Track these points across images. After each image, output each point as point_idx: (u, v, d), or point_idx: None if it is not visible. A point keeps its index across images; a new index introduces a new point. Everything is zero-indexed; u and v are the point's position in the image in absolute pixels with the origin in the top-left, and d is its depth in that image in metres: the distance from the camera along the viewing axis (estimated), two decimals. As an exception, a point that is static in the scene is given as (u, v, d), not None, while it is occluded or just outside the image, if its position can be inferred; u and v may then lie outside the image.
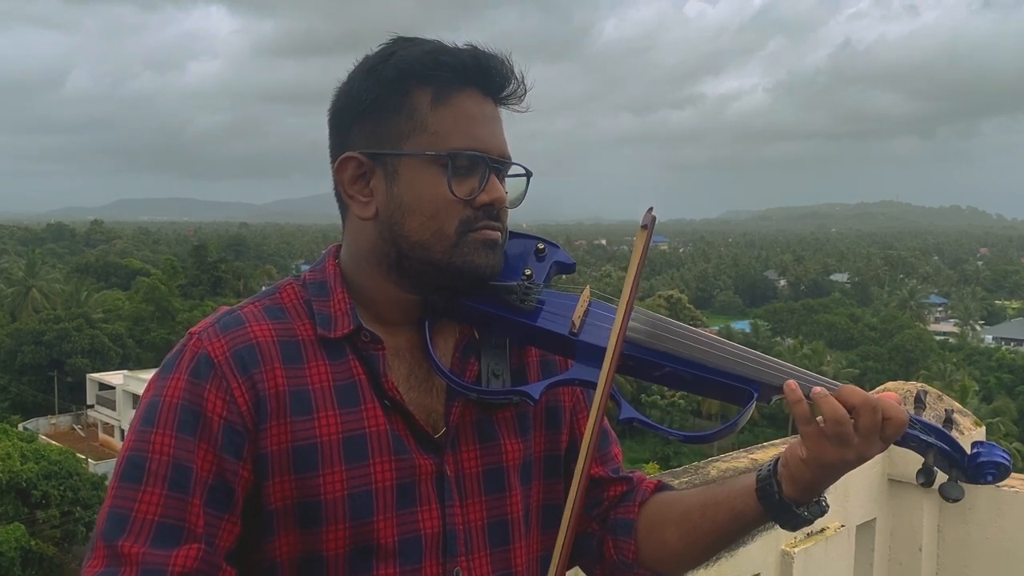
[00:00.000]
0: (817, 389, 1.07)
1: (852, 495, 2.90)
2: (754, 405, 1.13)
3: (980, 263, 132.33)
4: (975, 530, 3.01)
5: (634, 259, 1.11)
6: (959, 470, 1.09)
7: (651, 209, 1.12)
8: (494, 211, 1.14)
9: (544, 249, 1.23)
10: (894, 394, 1.10)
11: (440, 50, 1.14)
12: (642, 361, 1.15)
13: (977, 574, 3.02)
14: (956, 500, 1.09)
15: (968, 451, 1.09)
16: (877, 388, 1.13)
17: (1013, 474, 3.12)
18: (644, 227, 1.11)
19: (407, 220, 1.12)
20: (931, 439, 1.09)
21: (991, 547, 2.99)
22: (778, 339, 57.36)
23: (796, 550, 2.64)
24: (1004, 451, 1.09)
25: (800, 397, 1.06)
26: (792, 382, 1.08)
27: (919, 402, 1.14)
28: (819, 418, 1.07)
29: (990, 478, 1.08)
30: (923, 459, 1.10)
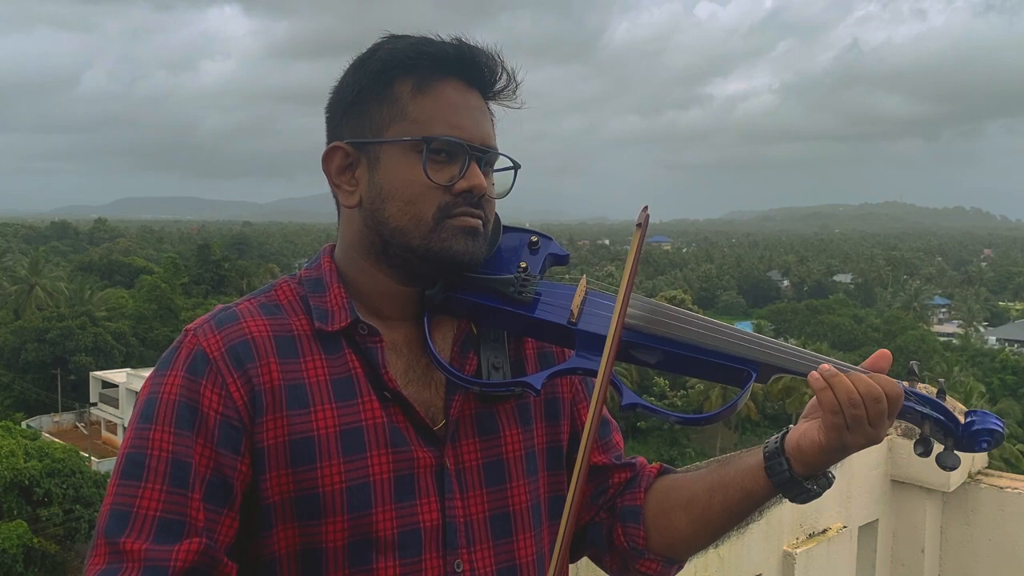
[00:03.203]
0: (828, 367, 1.09)
1: (855, 496, 2.89)
2: (751, 385, 1.14)
3: (984, 264, 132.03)
4: (978, 531, 3.01)
5: (630, 256, 1.12)
6: (954, 439, 1.11)
7: (646, 208, 1.14)
8: (474, 198, 1.14)
9: (537, 242, 1.24)
10: (887, 352, 1.12)
11: (424, 42, 1.15)
12: (641, 346, 1.16)
13: (979, 575, 3.01)
14: (952, 468, 1.11)
15: (962, 420, 1.10)
16: (871, 356, 1.14)
17: (1016, 475, 3.12)
18: (639, 225, 1.13)
19: (387, 206, 1.13)
20: (926, 410, 1.11)
21: (994, 548, 2.98)
22: (781, 339, 57.20)
23: (798, 551, 2.63)
24: (997, 418, 1.11)
25: (825, 385, 1.07)
26: (815, 373, 1.09)
27: (912, 374, 1.15)
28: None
29: (985, 445, 1.10)
30: (919, 430, 1.11)
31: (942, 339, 60.07)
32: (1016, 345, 67.27)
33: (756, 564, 2.53)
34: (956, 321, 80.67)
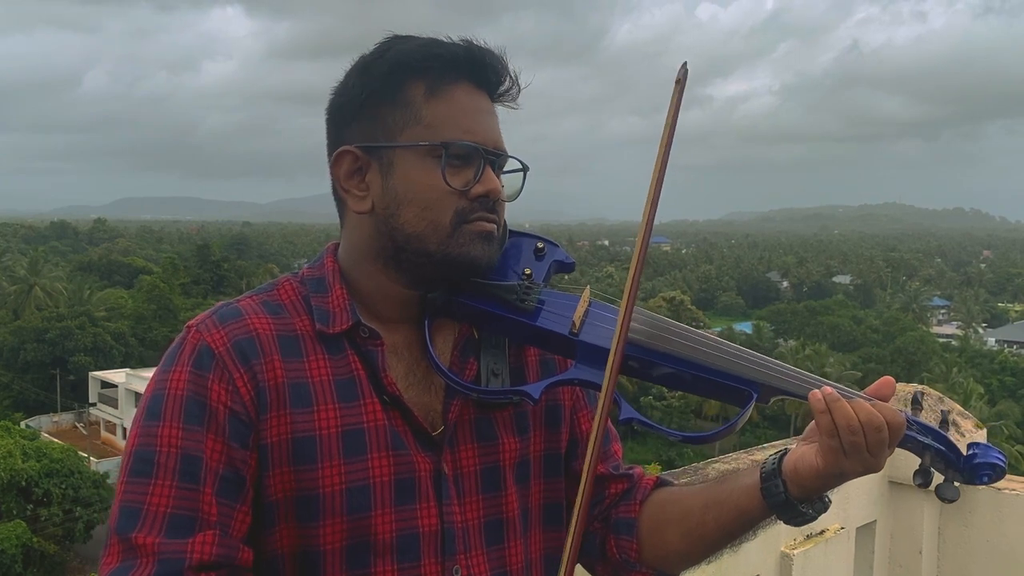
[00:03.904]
0: (831, 391, 1.08)
1: (852, 497, 2.89)
2: (752, 406, 1.13)
3: (983, 265, 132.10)
4: (975, 533, 3.01)
5: (668, 118, 1.07)
6: (955, 471, 1.10)
7: (685, 64, 1.09)
8: (489, 203, 1.14)
9: (543, 248, 1.23)
10: (890, 379, 1.11)
11: (434, 44, 1.14)
12: (642, 361, 1.15)
13: (977, 577, 3.02)
14: (951, 501, 1.10)
15: (964, 452, 1.09)
16: (874, 384, 1.13)
17: (1015, 477, 3.12)
18: (678, 81, 1.08)
19: (402, 212, 1.12)
20: (928, 440, 1.10)
21: (991, 549, 2.98)
22: (780, 340, 57.27)
23: (795, 552, 2.63)
24: (1000, 452, 1.10)
25: (825, 408, 1.06)
26: (817, 392, 1.08)
27: (916, 403, 1.14)
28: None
29: (986, 479, 1.09)
30: (920, 460, 1.11)
31: (941, 340, 59.99)
32: (1015, 346, 67.24)
33: (754, 565, 2.53)
34: (955, 322, 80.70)
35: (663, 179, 1.09)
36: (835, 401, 1.06)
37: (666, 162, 1.08)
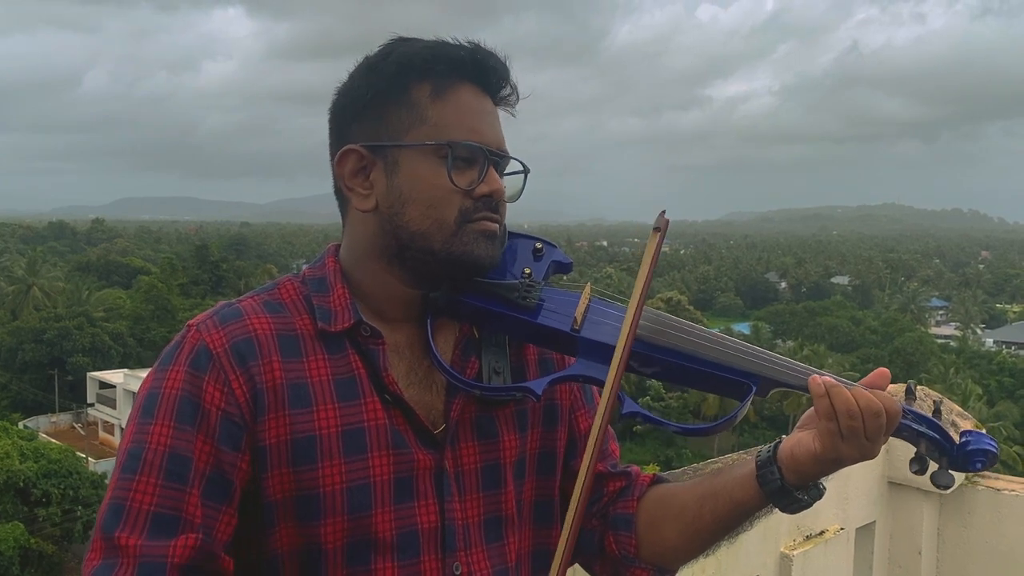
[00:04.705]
0: (829, 379, 1.10)
1: (852, 498, 2.90)
2: (751, 398, 1.15)
3: (981, 266, 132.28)
4: (974, 533, 3.02)
5: (645, 261, 1.13)
6: (949, 458, 1.12)
7: (663, 212, 1.14)
8: (493, 203, 1.16)
9: (542, 249, 1.24)
10: (885, 371, 1.13)
11: (439, 46, 1.16)
12: (644, 356, 1.16)
13: (976, 577, 3.02)
14: (947, 487, 1.12)
15: (957, 440, 1.12)
16: (869, 374, 1.15)
17: (1013, 477, 3.12)
18: (656, 229, 1.13)
19: (407, 210, 1.13)
20: (923, 428, 1.12)
21: (990, 550, 2.99)
22: (779, 341, 57.28)
23: (795, 553, 2.64)
24: (991, 438, 1.12)
25: (824, 392, 1.08)
26: (816, 377, 1.10)
27: (909, 393, 1.16)
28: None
29: (979, 465, 1.12)
30: (915, 448, 1.13)
31: (939, 341, 60.08)
32: (1013, 347, 67.28)
33: (753, 566, 2.53)
34: (954, 323, 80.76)
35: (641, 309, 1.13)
36: (834, 386, 1.08)
37: (642, 304, 1.13)
